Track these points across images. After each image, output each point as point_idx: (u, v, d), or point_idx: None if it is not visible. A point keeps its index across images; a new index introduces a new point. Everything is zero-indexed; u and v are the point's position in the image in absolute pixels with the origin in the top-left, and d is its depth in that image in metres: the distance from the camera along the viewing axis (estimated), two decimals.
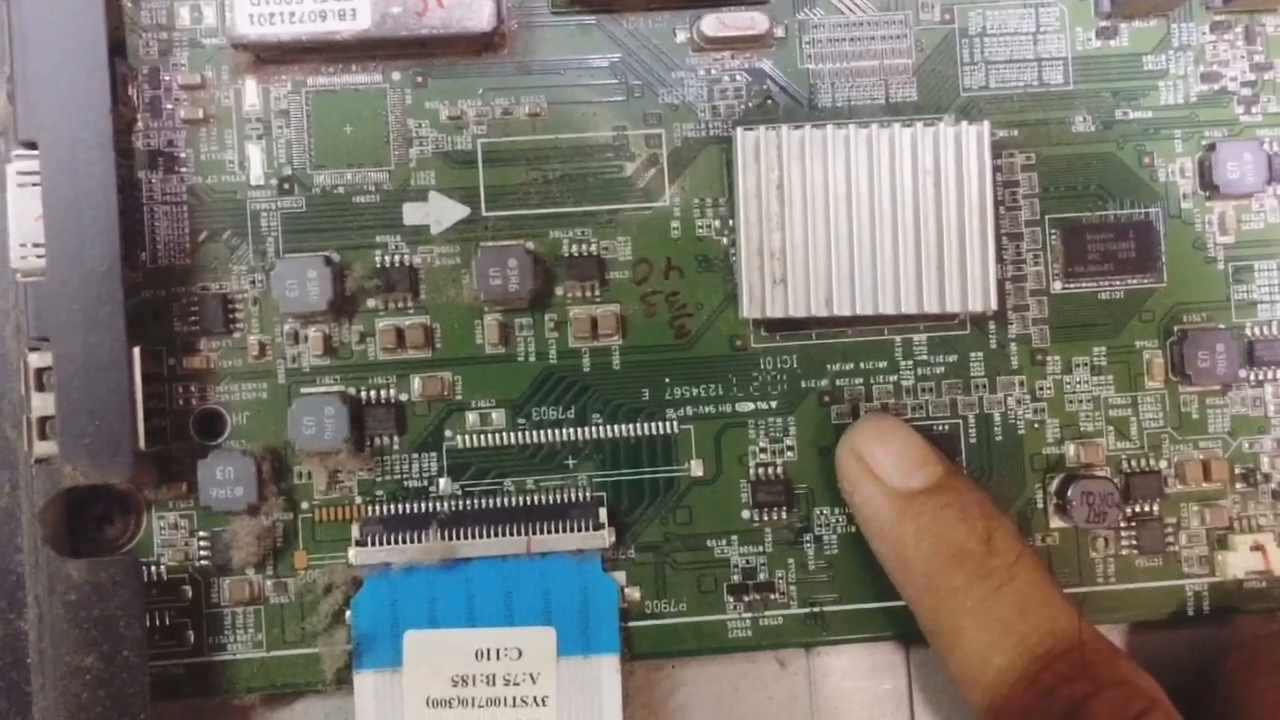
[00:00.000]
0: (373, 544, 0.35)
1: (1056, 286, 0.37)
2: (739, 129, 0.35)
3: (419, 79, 0.36)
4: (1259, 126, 0.37)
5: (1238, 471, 0.37)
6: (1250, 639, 0.37)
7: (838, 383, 0.37)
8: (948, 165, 0.35)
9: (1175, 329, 0.37)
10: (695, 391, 0.36)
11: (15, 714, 0.34)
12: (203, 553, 0.35)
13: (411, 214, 0.36)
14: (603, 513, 0.35)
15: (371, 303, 0.36)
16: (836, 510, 0.36)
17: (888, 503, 0.33)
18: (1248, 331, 0.37)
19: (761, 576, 0.36)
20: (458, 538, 0.35)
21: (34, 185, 0.33)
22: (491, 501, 0.36)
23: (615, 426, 0.36)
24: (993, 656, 0.31)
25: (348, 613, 0.35)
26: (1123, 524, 0.37)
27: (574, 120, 0.36)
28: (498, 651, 0.35)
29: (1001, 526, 0.32)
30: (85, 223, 0.32)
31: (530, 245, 0.36)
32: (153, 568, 0.35)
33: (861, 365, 0.37)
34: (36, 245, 0.33)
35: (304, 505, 0.35)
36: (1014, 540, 0.32)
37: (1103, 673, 0.30)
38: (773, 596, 0.36)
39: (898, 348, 0.37)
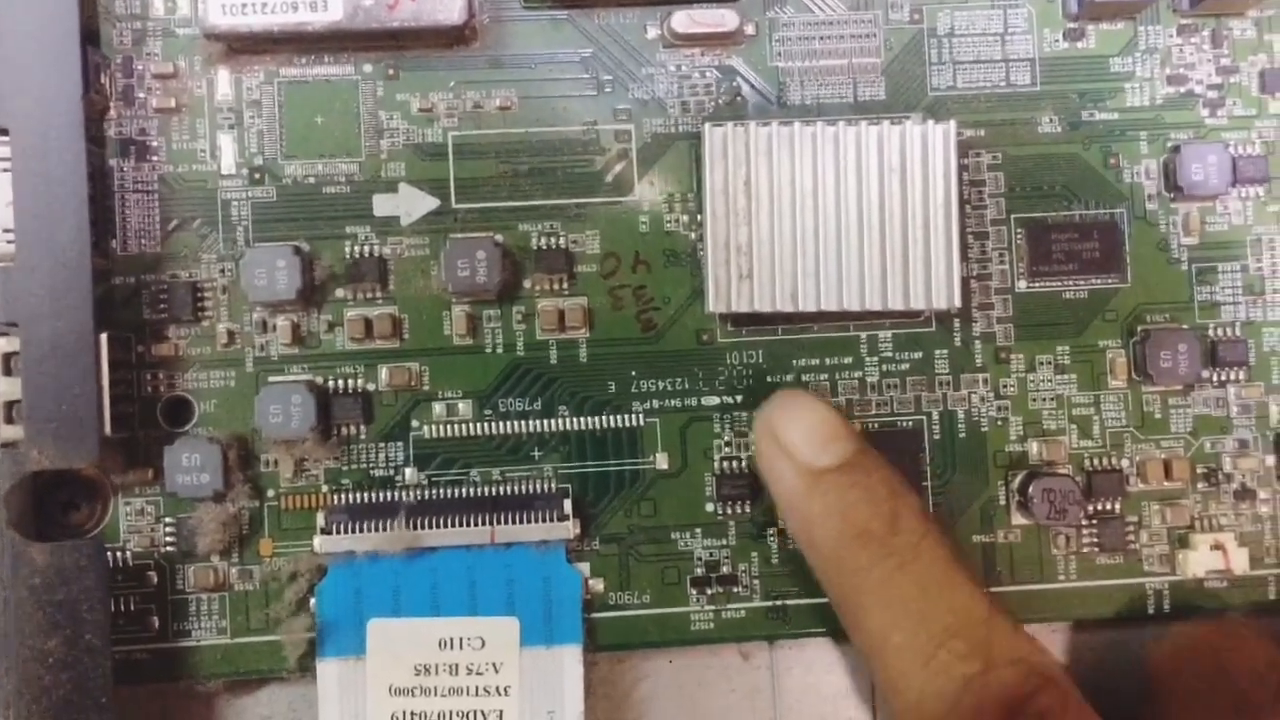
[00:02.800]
0: (338, 532, 0.35)
1: (1021, 285, 0.37)
2: (708, 125, 0.35)
3: (390, 71, 0.36)
4: (1224, 129, 0.38)
5: (1199, 471, 0.37)
6: (1179, 628, 0.37)
7: (803, 378, 0.37)
8: (914, 163, 0.35)
9: (1138, 329, 0.37)
10: (661, 385, 0.37)
11: None
12: (168, 539, 0.35)
13: (381, 205, 0.36)
14: (567, 504, 0.35)
15: (340, 292, 0.36)
16: None
17: (798, 480, 0.33)
18: (1210, 332, 0.37)
19: (725, 569, 0.36)
20: (423, 527, 0.35)
21: (4, 171, 0.33)
22: (457, 491, 0.36)
23: (581, 419, 0.36)
24: (892, 634, 0.31)
25: (312, 600, 0.35)
26: (1084, 522, 0.37)
27: (544, 114, 0.36)
28: (461, 641, 0.35)
29: (908, 506, 0.32)
30: (55, 209, 0.33)
31: (499, 238, 0.36)
32: (118, 553, 0.35)
33: (827, 361, 0.37)
34: (6, 230, 0.33)
35: (270, 493, 0.36)
36: (919, 520, 0.32)
37: (999, 651, 0.30)
38: (736, 589, 0.36)
39: (863, 344, 0.37)
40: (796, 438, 0.33)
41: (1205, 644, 0.35)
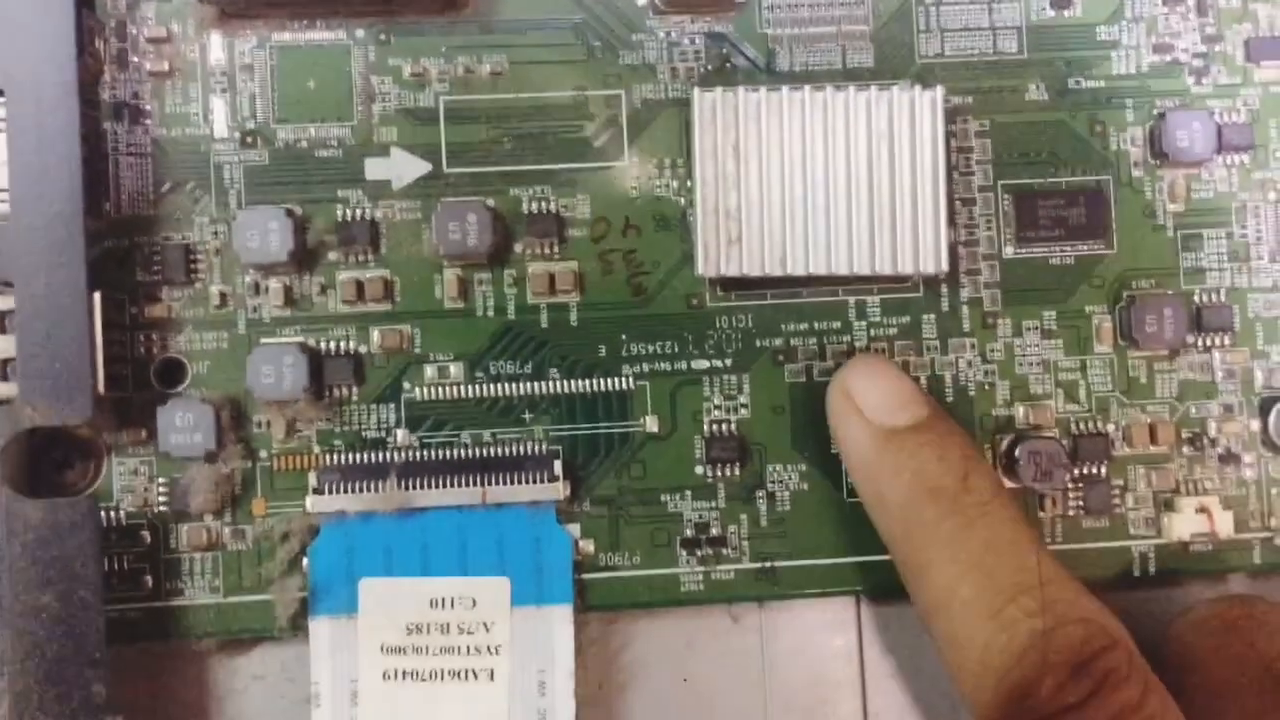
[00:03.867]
0: (330, 493, 0.35)
1: (1008, 251, 0.37)
2: (697, 90, 0.36)
3: (382, 36, 0.36)
4: (1209, 97, 0.38)
5: (1184, 435, 0.38)
6: (1198, 602, 0.37)
7: (792, 342, 0.37)
8: (901, 130, 0.36)
9: (1124, 295, 0.37)
10: (651, 349, 0.37)
11: None
12: (161, 498, 0.36)
13: (373, 169, 0.36)
14: (558, 466, 0.36)
15: (332, 255, 0.36)
16: (789, 467, 0.37)
17: (870, 439, 0.34)
18: (1196, 298, 0.38)
19: (714, 531, 0.37)
20: (414, 488, 0.35)
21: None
22: (448, 453, 0.36)
23: (572, 382, 0.37)
24: (959, 588, 0.32)
25: (304, 560, 0.35)
26: (1070, 485, 0.37)
27: (535, 80, 0.37)
28: (452, 600, 0.35)
29: (979, 468, 0.33)
30: (48, 168, 0.33)
31: (490, 202, 0.36)
32: (112, 513, 0.35)
33: (815, 325, 0.37)
34: (1, 190, 0.33)
35: (262, 454, 0.36)
36: (989, 482, 0.33)
37: (1066, 610, 0.31)
38: (725, 551, 0.37)
39: (851, 308, 0.37)
40: (873, 399, 0.34)
41: (1233, 623, 0.35)
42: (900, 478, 0.33)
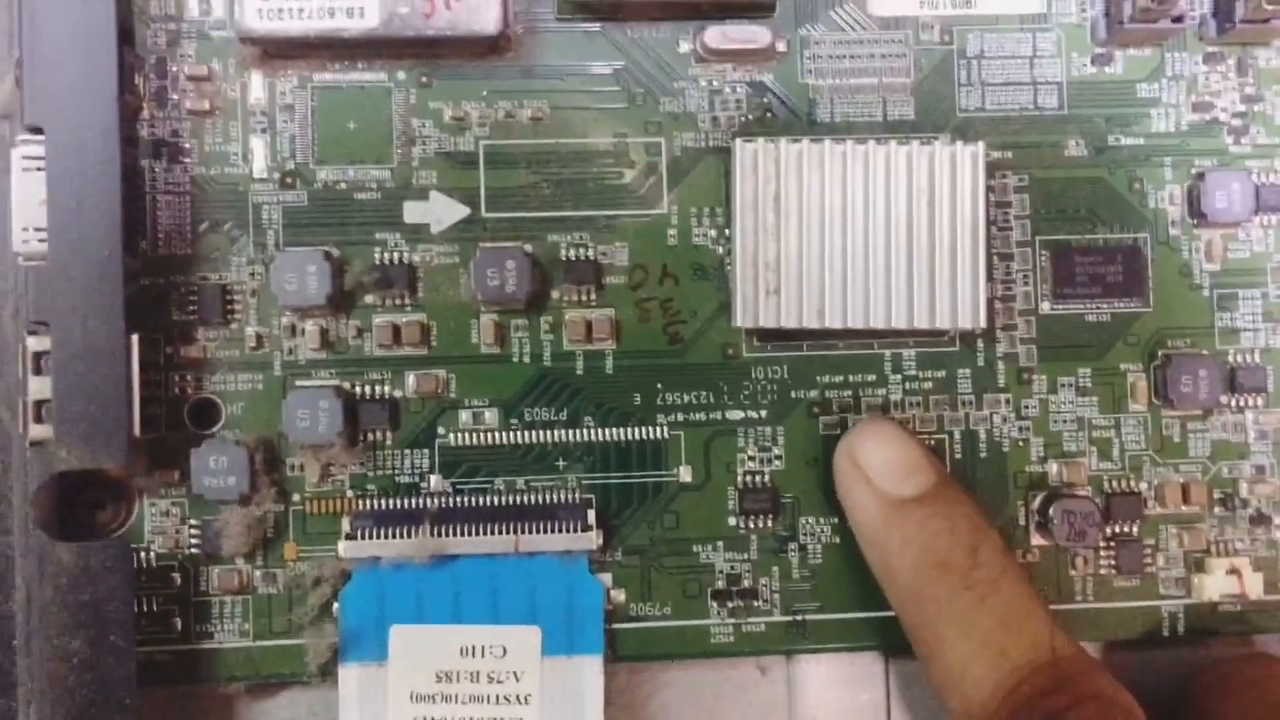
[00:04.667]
0: (362, 538, 0.35)
1: (1045, 307, 0.37)
2: (738, 140, 0.35)
3: (424, 79, 0.36)
4: (1248, 157, 0.38)
5: (1216, 496, 0.38)
6: (1221, 660, 0.37)
7: (827, 394, 0.37)
8: (942, 184, 0.35)
9: (1160, 353, 0.37)
10: (686, 398, 0.37)
11: (1, 695, 0.34)
12: (193, 541, 0.35)
13: (412, 212, 0.36)
14: (591, 514, 0.36)
15: (369, 299, 0.36)
16: (822, 520, 0.37)
17: (877, 508, 0.34)
18: (1230, 358, 0.38)
19: (745, 583, 0.37)
20: (447, 535, 0.35)
21: (39, 170, 0.33)
22: (481, 500, 0.36)
23: (606, 430, 0.36)
24: (972, 665, 0.31)
25: (335, 605, 0.35)
26: (1102, 543, 0.37)
27: (575, 125, 0.37)
28: (483, 648, 0.35)
29: (988, 540, 0.33)
30: (88, 209, 0.33)
31: (528, 248, 0.36)
32: (143, 554, 0.35)
33: (850, 378, 0.37)
34: (39, 230, 0.33)
35: (295, 497, 0.36)
36: (1000, 554, 0.33)
37: (1081, 686, 0.31)
38: (756, 603, 0.37)
39: (887, 362, 0.37)
40: (878, 466, 0.34)
41: (1254, 681, 0.35)
42: (908, 551, 0.33)
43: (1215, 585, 0.37)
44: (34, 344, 0.33)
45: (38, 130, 0.33)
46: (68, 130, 0.33)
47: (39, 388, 0.33)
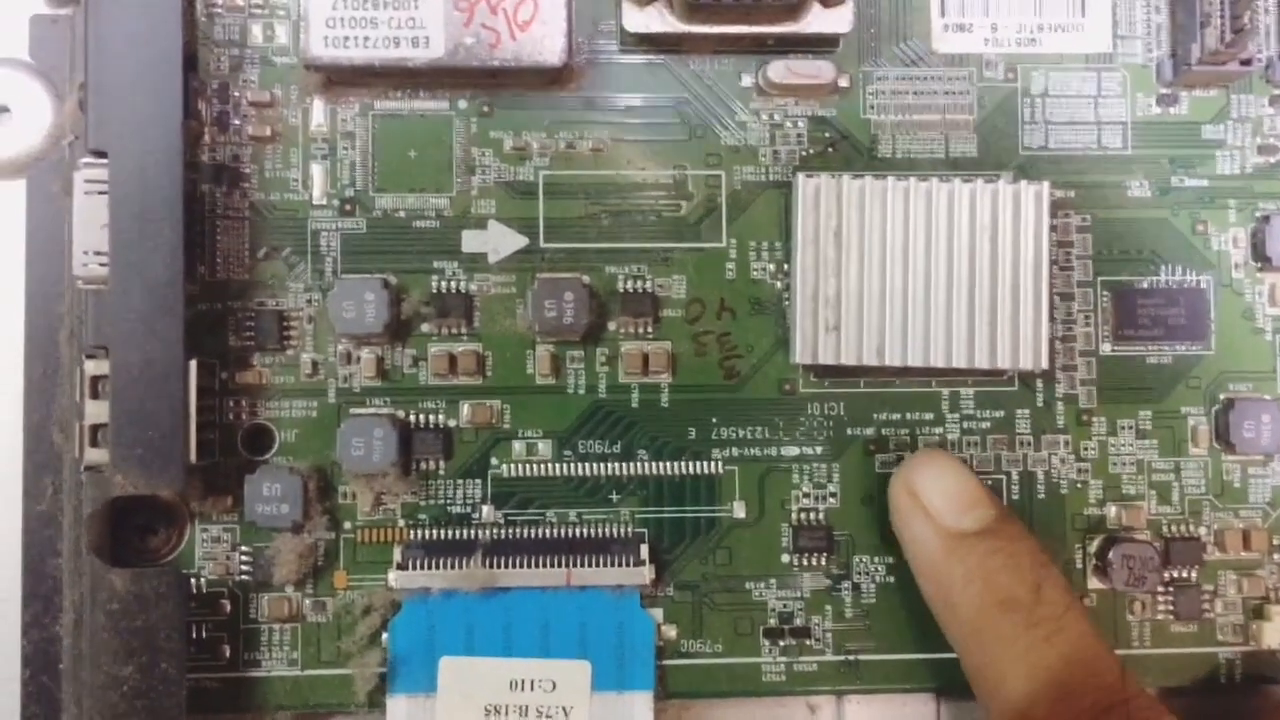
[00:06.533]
0: (413, 568, 0.35)
1: (1106, 348, 0.37)
2: (800, 175, 0.35)
3: (485, 108, 0.36)
4: None
5: (1277, 542, 0.37)
6: (1272, 704, 0.37)
7: (884, 432, 0.37)
8: (1005, 223, 0.35)
9: (1221, 397, 0.37)
10: (741, 433, 0.36)
11: (43, 719, 0.34)
12: (244, 567, 0.35)
13: (470, 241, 0.36)
14: (644, 549, 0.35)
15: (425, 327, 0.36)
16: (876, 559, 0.36)
17: (937, 542, 0.33)
18: None
19: (798, 621, 0.36)
20: (498, 566, 0.35)
21: (101, 194, 0.33)
22: (533, 532, 0.36)
23: (660, 464, 0.36)
24: (1036, 708, 0.31)
25: (384, 635, 0.35)
26: (1160, 588, 0.37)
27: (635, 157, 0.36)
28: (532, 683, 0.35)
29: (1051, 577, 0.32)
30: (150, 234, 0.33)
31: (586, 279, 0.36)
32: (193, 580, 0.35)
33: (908, 416, 0.37)
34: (99, 254, 0.33)
35: (347, 525, 0.35)
36: (1063, 592, 0.32)
37: None
38: (808, 642, 0.36)
39: (945, 400, 0.37)
40: (938, 499, 0.33)
41: None
42: (971, 587, 0.32)
43: (1275, 632, 0.36)
44: (92, 368, 0.33)
45: (101, 154, 0.33)
46: (131, 154, 0.33)
47: (96, 411, 0.33)
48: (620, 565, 0.35)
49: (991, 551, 0.33)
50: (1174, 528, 0.37)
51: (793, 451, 0.36)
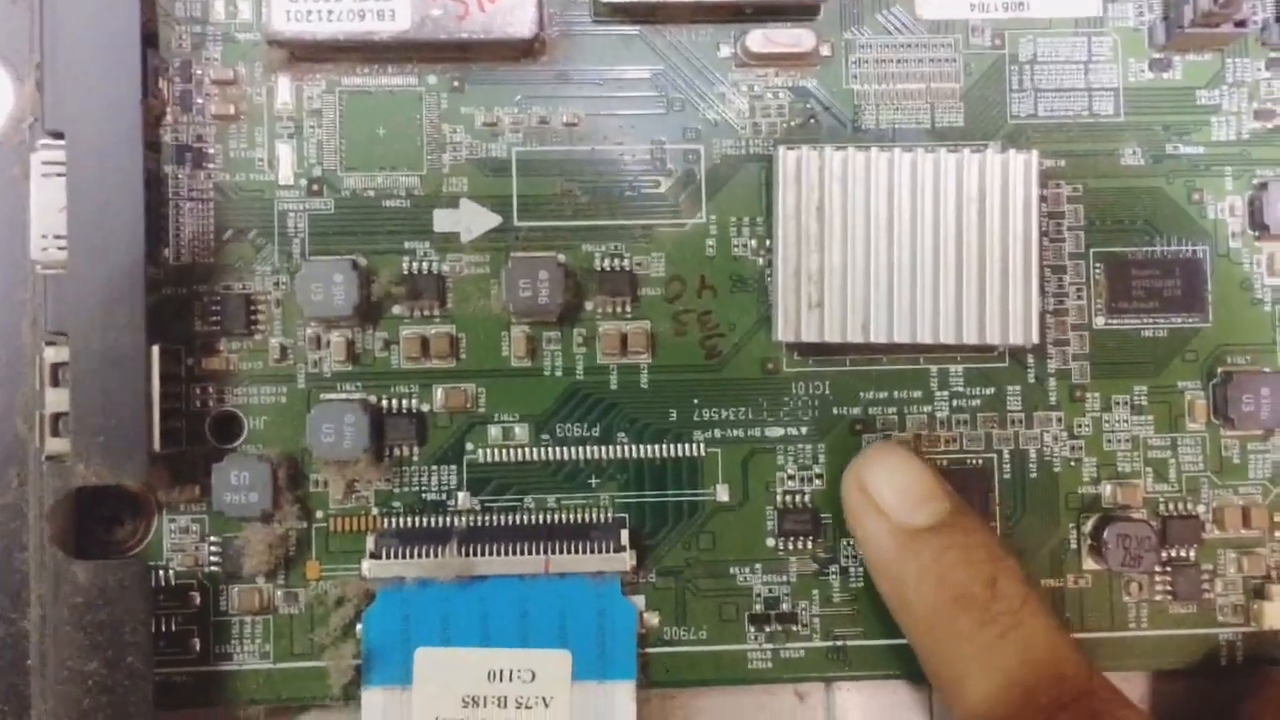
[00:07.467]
0: (387, 557, 0.34)
1: (1099, 322, 0.36)
2: (781, 148, 0.34)
3: (455, 83, 0.35)
4: None
5: (1277, 519, 0.36)
6: (1267, 679, 0.36)
7: (870, 411, 0.36)
8: (993, 194, 0.34)
9: (1219, 370, 0.36)
10: (724, 414, 0.35)
11: (12, 716, 0.33)
12: (213, 558, 0.34)
13: (442, 221, 0.35)
14: (624, 535, 0.34)
15: (397, 309, 0.35)
16: None
17: (890, 539, 0.32)
18: None
19: (784, 607, 0.35)
20: (475, 554, 0.34)
21: (59, 176, 0.32)
22: (511, 518, 0.35)
23: (641, 447, 0.35)
24: (996, 706, 0.30)
25: (358, 626, 0.34)
26: (1158, 569, 0.35)
27: (611, 132, 0.35)
28: (511, 673, 0.34)
29: (1007, 570, 0.31)
30: (110, 216, 0.32)
31: (562, 258, 0.35)
32: (161, 572, 0.34)
33: (895, 394, 0.36)
34: (58, 237, 0.32)
35: (319, 514, 0.35)
36: (1019, 584, 0.31)
37: None
38: (795, 628, 0.35)
39: (933, 378, 0.36)
40: (889, 495, 0.32)
41: None
42: (925, 584, 0.32)
43: (1277, 612, 0.35)
44: (52, 355, 0.32)
45: (58, 135, 0.32)
46: (89, 135, 0.32)
47: (56, 400, 0.32)
48: (600, 551, 0.34)
49: (945, 547, 0.32)
50: (1171, 506, 0.36)
51: (777, 432, 0.35)
